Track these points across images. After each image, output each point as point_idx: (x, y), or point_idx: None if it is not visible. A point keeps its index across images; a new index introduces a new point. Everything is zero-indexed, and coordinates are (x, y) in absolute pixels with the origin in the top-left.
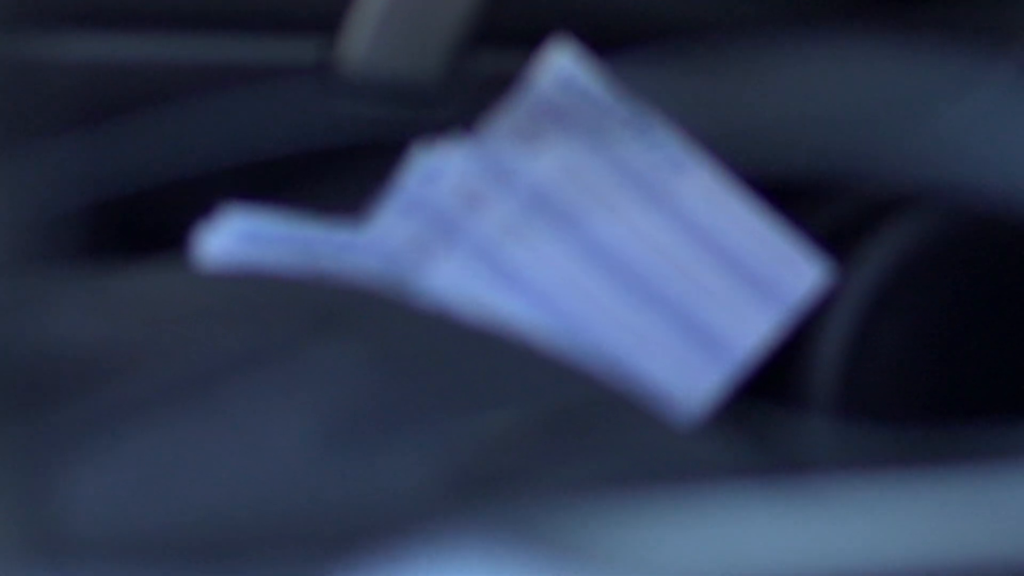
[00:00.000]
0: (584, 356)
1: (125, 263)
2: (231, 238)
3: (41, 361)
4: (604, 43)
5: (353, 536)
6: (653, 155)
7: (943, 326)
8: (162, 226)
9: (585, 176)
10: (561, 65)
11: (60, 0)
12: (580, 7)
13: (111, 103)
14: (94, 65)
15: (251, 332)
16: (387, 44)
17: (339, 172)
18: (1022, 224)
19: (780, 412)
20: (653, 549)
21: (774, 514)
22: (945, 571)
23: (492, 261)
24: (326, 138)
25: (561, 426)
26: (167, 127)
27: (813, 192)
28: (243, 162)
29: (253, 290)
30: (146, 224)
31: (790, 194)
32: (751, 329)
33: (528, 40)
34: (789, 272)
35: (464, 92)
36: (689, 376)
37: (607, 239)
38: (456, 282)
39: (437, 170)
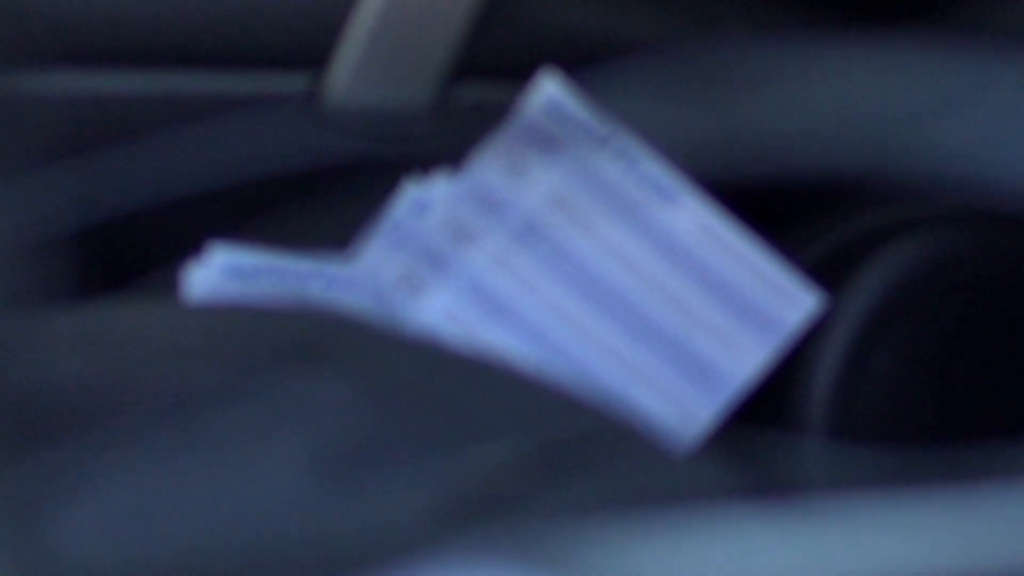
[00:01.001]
0: (578, 388)
1: (112, 295)
2: (217, 272)
3: (32, 399)
4: (590, 72)
5: (347, 566)
6: (643, 185)
7: (935, 352)
8: (148, 257)
9: (575, 207)
10: (549, 93)
11: (48, 38)
12: (564, 37)
13: (98, 136)
14: (81, 99)
15: (239, 365)
16: (373, 76)
17: (325, 205)
18: (1012, 250)
19: (775, 437)
20: (648, 572)
21: (769, 538)
22: None
23: (483, 294)
24: (312, 170)
25: (555, 456)
26: (151, 158)
27: (806, 219)
28: (229, 194)
29: (240, 323)
30: (132, 254)
31: (782, 221)
32: (745, 359)
33: (513, 70)
34: (782, 301)
35: (450, 123)
36: (683, 407)
37: (598, 270)
38: (447, 316)
39: (426, 202)
